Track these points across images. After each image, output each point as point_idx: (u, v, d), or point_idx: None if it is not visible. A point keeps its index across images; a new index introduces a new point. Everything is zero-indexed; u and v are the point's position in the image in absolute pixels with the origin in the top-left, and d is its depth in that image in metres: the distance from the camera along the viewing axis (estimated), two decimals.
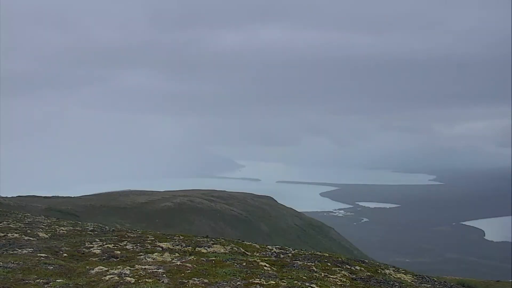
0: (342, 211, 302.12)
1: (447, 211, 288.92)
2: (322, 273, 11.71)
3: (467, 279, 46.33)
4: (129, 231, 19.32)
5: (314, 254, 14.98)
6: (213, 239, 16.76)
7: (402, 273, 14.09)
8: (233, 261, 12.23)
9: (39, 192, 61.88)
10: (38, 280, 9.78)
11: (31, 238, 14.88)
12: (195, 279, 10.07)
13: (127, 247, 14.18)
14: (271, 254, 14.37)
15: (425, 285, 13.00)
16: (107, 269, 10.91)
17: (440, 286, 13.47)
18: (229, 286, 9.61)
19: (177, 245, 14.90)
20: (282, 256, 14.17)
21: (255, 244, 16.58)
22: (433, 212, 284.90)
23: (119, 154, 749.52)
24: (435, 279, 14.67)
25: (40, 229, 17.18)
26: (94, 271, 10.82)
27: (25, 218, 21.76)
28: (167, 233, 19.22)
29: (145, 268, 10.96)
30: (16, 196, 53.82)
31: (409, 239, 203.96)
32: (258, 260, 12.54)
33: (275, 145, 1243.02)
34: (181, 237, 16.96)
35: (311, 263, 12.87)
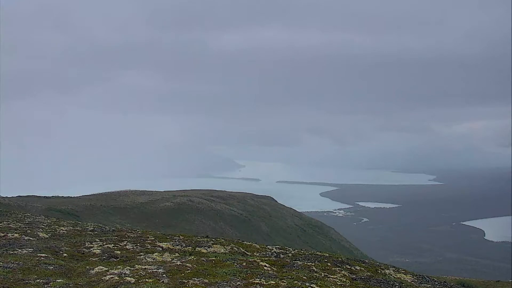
0: (342, 211, 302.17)
1: (447, 211, 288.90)
2: (322, 273, 11.71)
3: (467, 279, 46.38)
4: (129, 231, 19.30)
5: (314, 254, 14.98)
6: (213, 239, 16.76)
7: (402, 273, 14.08)
8: (233, 261, 12.23)
9: (39, 192, 61.69)
10: (38, 280, 9.78)
11: (31, 238, 14.88)
12: (195, 279, 10.07)
13: (127, 247, 14.18)
14: (271, 254, 14.37)
15: (425, 285, 13.00)
16: (107, 269, 10.91)
17: (440, 286, 13.47)
18: (229, 286, 9.61)
19: (177, 245, 14.90)
20: (282, 256, 14.17)
21: (255, 244, 16.58)
22: (433, 212, 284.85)
23: (120, 154, 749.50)
24: (435, 279, 14.67)
25: (40, 229, 17.18)
26: (94, 271, 10.82)
27: (25, 218, 21.75)
28: (167, 233, 19.21)
29: (145, 268, 10.96)
30: (16, 196, 53.66)
31: (409, 239, 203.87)
32: (258, 260, 12.53)
33: (275, 145, 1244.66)
34: (181, 237, 16.96)
35: (311, 263, 12.86)
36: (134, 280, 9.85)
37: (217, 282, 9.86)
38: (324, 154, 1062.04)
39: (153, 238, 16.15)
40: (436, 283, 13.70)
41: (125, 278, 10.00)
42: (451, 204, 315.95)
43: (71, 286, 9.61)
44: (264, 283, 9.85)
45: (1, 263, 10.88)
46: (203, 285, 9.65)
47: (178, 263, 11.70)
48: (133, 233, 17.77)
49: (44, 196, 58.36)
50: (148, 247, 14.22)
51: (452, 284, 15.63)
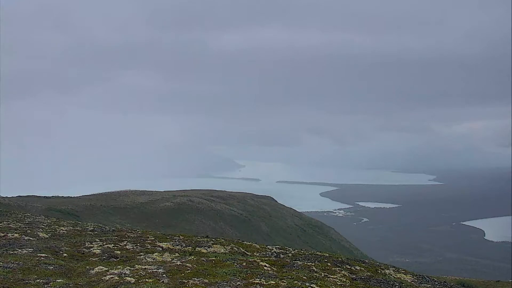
0: (342, 211, 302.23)
1: (447, 211, 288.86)
2: (322, 273, 11.70)
3: (467, 279, 46.38)
4: (129, 231, 19.30)
5: (314, 254, 14.98)
6: (213, 239, 16.75)
7: (402, 273, 14.08)
8: (233, 261, 12.23)
9: (39, 192, 61.67)
10: (38, 280, 9.78)
11: (31, 238, 14.88)
12: (195, 279, 10.07)
13: (127, 247, 14.18)
14: (271, 254, 14.37)
15: (425, 285, 13.00)
16: (107, 269, 10.91)
17: (440, 286, 13.46)
18: (229, 286, 9.61)
19: (177, 245, 14.90)
20: (282, 256, 14.17)
21: (255, 244, 16.58)
22: (433, 212, 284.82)
23: (119, 154, 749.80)
24: (435, 279, 14.66)
25: (40, 229, 17.18)
26: (94, 271, 10.82)
27: (25, 218, 21.75)
28: (167, 233, 19.21)
29: (145, 268, 10.96)
30: (16, 196, 53.64)
31: (409, 239, 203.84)
32: (258, 260, 12.53)
33: (275, 145, 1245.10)
34: (181, 237, 16.96)
35: (311, 263, 12.86)
36: (134, 280, 9.85)
37: (217, 282, 9.86)
38: (324, 154, 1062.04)
39: (153, 238, 16.15)
40: (436, 283, 13.70)
41: (125, 278, 10.00)
42: (451, 204, 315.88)
43: (71, 286, 9.61)
44: (264, 283, 9.85)
45: (1, 263, 10.88)
46: (203, 285, 9.65)
47: (178, 263, 11.70)
48: (133, 233, 17.77)
49: (44, 196, 58.34)
50: (148, 247, 14.21)
51: (452, 284, 15.63)
